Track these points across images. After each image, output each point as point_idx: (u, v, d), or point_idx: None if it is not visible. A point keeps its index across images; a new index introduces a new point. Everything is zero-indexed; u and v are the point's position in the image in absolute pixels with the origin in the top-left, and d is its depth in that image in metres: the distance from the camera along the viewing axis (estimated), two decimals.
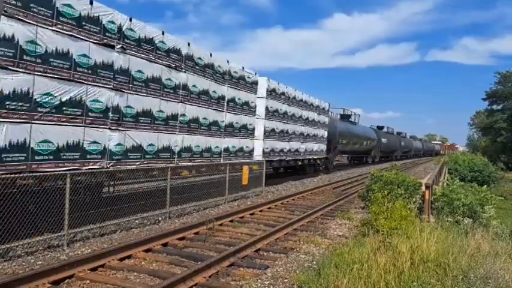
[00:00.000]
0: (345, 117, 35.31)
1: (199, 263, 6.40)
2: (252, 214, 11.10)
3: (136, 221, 9.34)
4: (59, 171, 7.55)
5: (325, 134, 25.83)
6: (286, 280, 6.04)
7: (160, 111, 10.62)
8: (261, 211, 11.64)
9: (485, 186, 15.58)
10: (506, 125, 56.43)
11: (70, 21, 7.98)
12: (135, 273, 6.13)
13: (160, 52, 10.55)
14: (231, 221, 10.07)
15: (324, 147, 25.32)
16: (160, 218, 9.90)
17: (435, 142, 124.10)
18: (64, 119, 7.87)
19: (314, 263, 6.90)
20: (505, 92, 58.15)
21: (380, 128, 51.12)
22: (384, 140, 47.02)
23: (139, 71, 9.81)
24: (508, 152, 55.19)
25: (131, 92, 9.59)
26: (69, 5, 7.94)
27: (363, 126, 40.72)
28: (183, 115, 11.51)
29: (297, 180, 20.52)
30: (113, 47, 8.99)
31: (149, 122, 10.20)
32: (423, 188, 11.63)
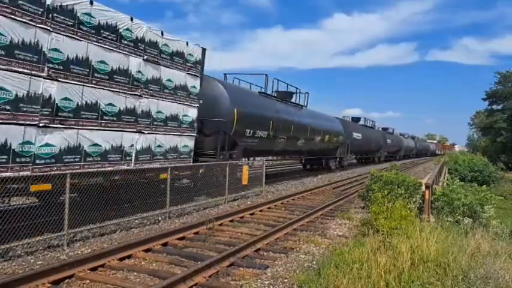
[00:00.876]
0: (283, 96, 20.60)
1: (199, 262, 6.40)
2: (252, 214, 11.10)
3: (136, 221, 9.34)
4: None
5: (193, 115, 11.94)
6: (286, 280, 6.04)
7: None
8: (261, 211, 11.64)
9: (485, 186, 15.59)
10: (506, 125, 56.46)
11: None
12: (135, 273, 6.13)
13: None
14: (231, 220, 10.07)
15: (190, 143, 11.85)
16: (160, 218, 9.90)
17: (430, 141, 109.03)
18: None
19: (314, 262, 6.90)
20: (505, 92, 58.19)
21: (356, 119, 39.18)
22: (356, 136, 33.41)
23: None
24: (508, 152, 55.22)
25: None
26: None
27: (316, 113, 25.55)
28: None
29: (296, 180, 20.51)
30: None
31: None
32: (423, 187, 11.64)
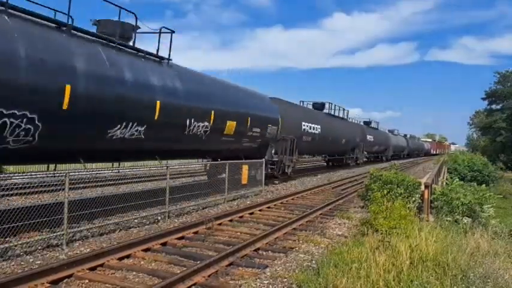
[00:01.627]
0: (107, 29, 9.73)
1: (198, 262, 6.40)
2: (251, 213, 11.10)
3: (136, 221, 9.33)
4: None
5: None
6: (285, 279, 6.04)
7: None
8: (260, 210, 11.64)
9: (484, 185, 15.60)
10: (506, 125, 56.44)
11: None
12: (134, 273, 6.12)
13: None
14: (231, 220, 10.06)
15: None
16: (159, 218, 9.90)
17: (424, 140, 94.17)
18: None
19: (313, 262, 6.90)
20: (504, 92, 58.18)
21: (319, 106, 27.48)
22: (311, 129, 22.84)
23: None
24: (507, 151, 55.24)
25: None
26: None
27: (210, 81, 13.91)
28: None
29: (296, 180, 20.51)
30: None
31: None
32: (422, 187, 11.64)
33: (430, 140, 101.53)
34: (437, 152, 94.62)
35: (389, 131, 52.86)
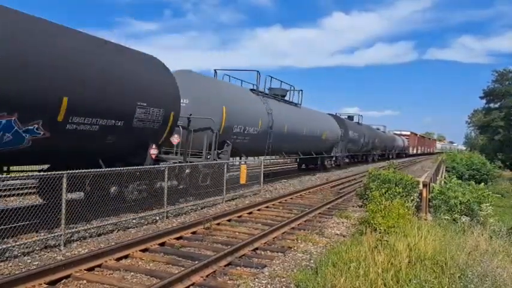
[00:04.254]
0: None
1: (196, 262, 6.39)
2: (249, 213, 11.09)
3: (134, 221, 9.31)
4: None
5: None
6: (284, 279, 6.04)
7: None
8: (259, 210, 11.63)
9: (482, 184, 15.59)
10: (504, 123, 56.53)
11: None
12: (132, 273, 6.11)
13: None
14: (229, 220, 10.05)
15: None
16: (157, 218, 9.88)
17: (398, 132, 61.43)
18: None
19: (312, 261, 6.90)
20: (502, 91, 58.23)
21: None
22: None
23: None
24: (505, 150, 55.32)
25: None
26: None
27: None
28: None
29: (294, 179, 20.51)
30: None
31: None
32: (420, 186, 11.64)
33: (408, 132, 67.24)
34: (420, 151, 71.09)
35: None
